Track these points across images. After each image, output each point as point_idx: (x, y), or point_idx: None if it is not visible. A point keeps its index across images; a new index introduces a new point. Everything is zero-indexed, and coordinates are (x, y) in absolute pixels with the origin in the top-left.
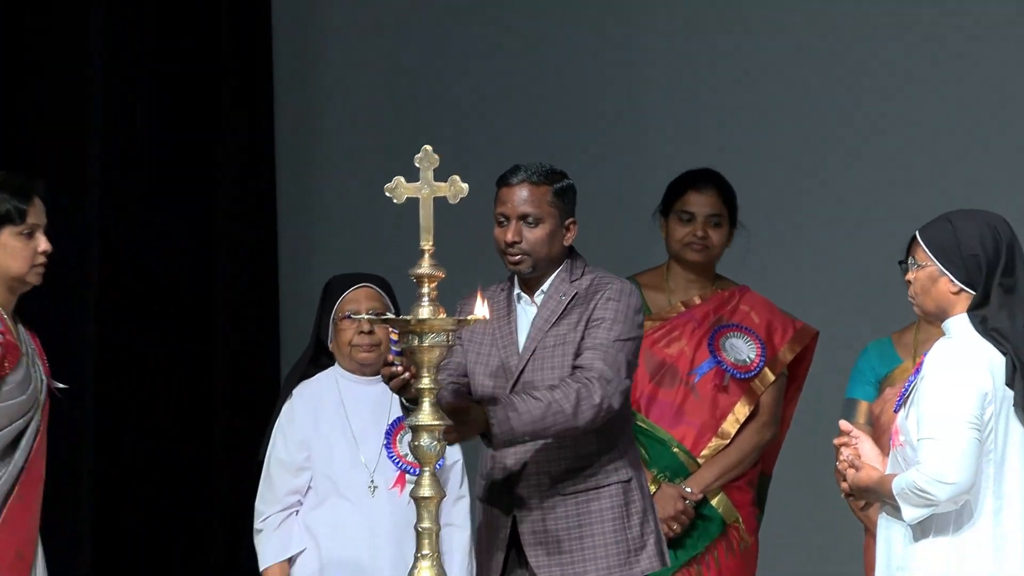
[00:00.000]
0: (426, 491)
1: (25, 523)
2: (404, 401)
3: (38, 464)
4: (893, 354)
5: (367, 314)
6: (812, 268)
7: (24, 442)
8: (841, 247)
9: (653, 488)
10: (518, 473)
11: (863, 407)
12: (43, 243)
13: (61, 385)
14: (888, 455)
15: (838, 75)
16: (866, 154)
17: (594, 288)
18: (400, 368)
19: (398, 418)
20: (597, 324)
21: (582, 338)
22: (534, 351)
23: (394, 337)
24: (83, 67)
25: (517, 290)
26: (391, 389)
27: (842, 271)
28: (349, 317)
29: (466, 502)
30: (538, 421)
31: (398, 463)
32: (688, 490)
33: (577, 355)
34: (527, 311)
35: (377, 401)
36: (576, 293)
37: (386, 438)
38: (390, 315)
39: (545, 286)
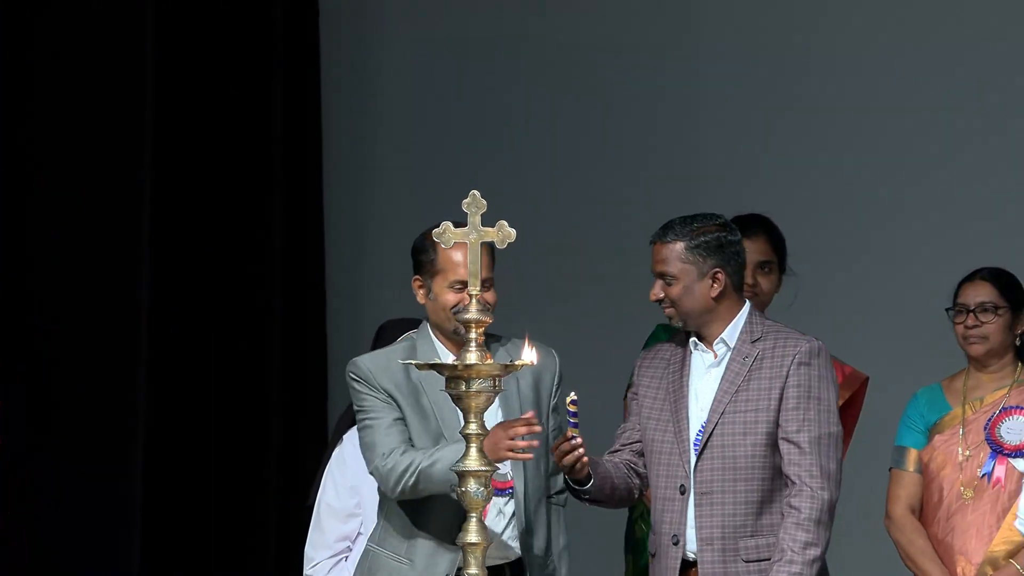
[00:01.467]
0: (473, 537)
1: None
2: (570, 482)
3: None
4: (943, 401)
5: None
6: (862, 313)
7: None
8: (891, 293)
9: None
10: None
11: (912, 455)
12: None
13: None
14: (941, 502)
15: (889, 121)
16: (915, 199)
17: (780, 347)
18: (579, 441)
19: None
20: (795, 404)
21: (778, 408)
22: (722, 414)
23: (572, 409)
24: (135, 130)
25: (693, 337)
26: (561, 464)
27: (893, 317)
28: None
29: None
30: None
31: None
32: None
33: (777, 427)
34: (703, 358)
35: None
36: (758, 353)
37: None
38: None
39: (725, 336)
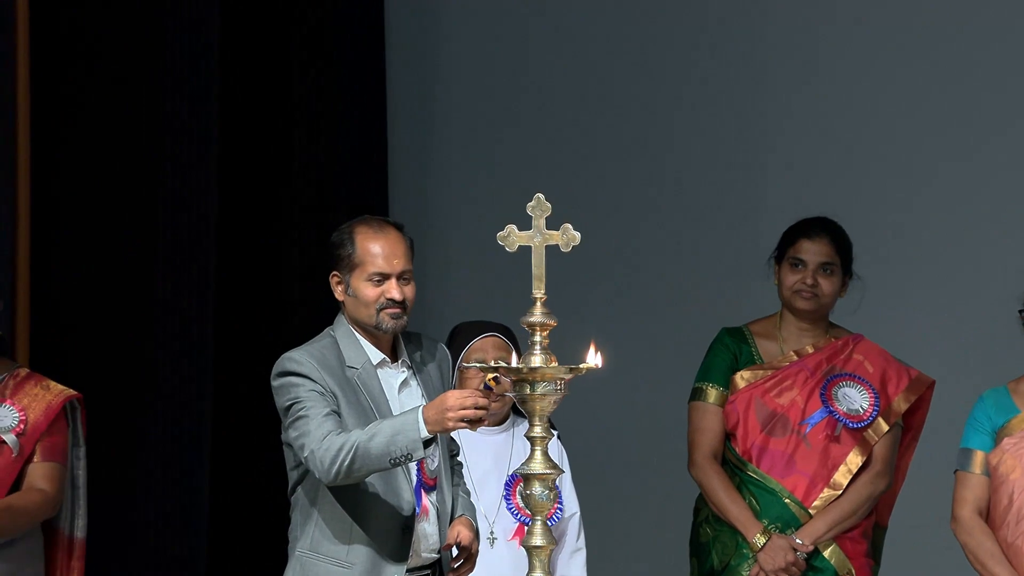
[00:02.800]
0: (538, 540)
1: None
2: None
3: None
4: (1010, 404)
5: (494, 363)
6: (929, 317)
7: None
8: (958, 295)
9: (763, 539)
10: None
11: (979, 457)
12: None
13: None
14: (1011, 506)
15: (958, 124)
16: (984, 201)
17: None
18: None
19: (516, 472)
20: None
21: None
22: None
23: (491, 384)
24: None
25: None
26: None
27: (959, 320)
28: (475, 366)
29: (583, 555)
30: None
31: (517, 515)
32: (799, 541)
33: None
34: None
35: (498, 451)
36: None
37: (506, 489)
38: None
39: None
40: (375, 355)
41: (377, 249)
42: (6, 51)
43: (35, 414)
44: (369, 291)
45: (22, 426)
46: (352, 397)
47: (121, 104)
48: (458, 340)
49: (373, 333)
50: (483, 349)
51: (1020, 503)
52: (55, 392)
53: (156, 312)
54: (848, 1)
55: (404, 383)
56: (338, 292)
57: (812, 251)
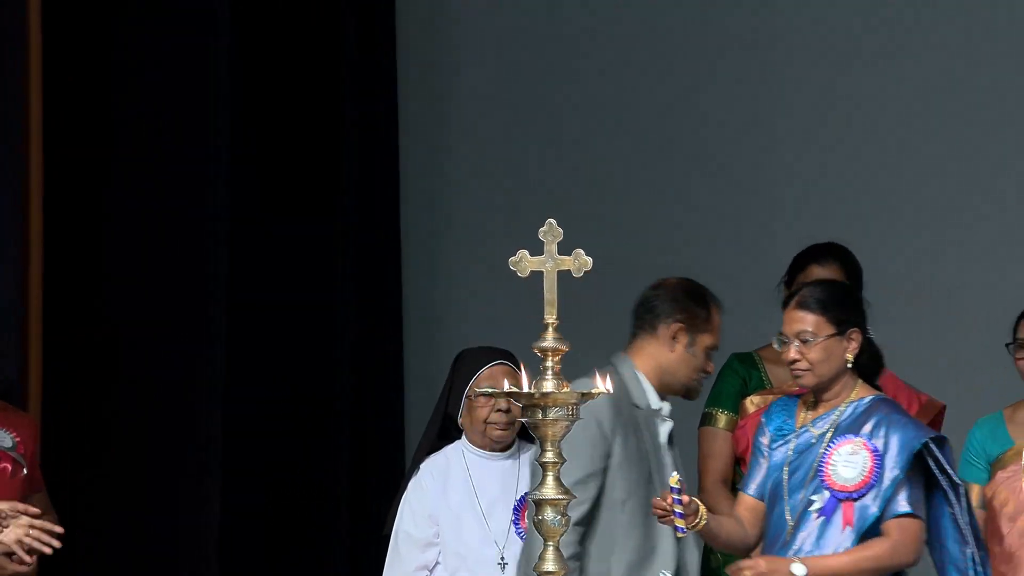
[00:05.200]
0: (549, 566)
1: None
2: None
3: None
4: (1004, 435)
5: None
6: (940, 342)
7: None
8: (968, 321)
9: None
10: None
11: (974, 491)
12: None
13: None
14: (1003, 540)
15: (968, 152)
16: (991, 230)
17: None
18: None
19: (525, 494)
20: None
21: None
22: None
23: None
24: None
25: None
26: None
27: (970, 345)
28: (483, 394)
29: None
30: None
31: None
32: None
33: None
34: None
35: (505, 476)
36: None
37: (514, 514)
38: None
39: None
40: (655, 400)
41: (719, 328)
42: (19, 67)
43: (24, 436)
44: (705, 361)
45: (22, 448)
46: (631, 439)
47: (132, 110)
48: (464, 367)
49: (667, 386)
50: (493, 377)
51: (1012, 539)
52: (30, 418)
53: (166, 325)
54: (865, 29)
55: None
56: (680, 341)
57: (821, 276)
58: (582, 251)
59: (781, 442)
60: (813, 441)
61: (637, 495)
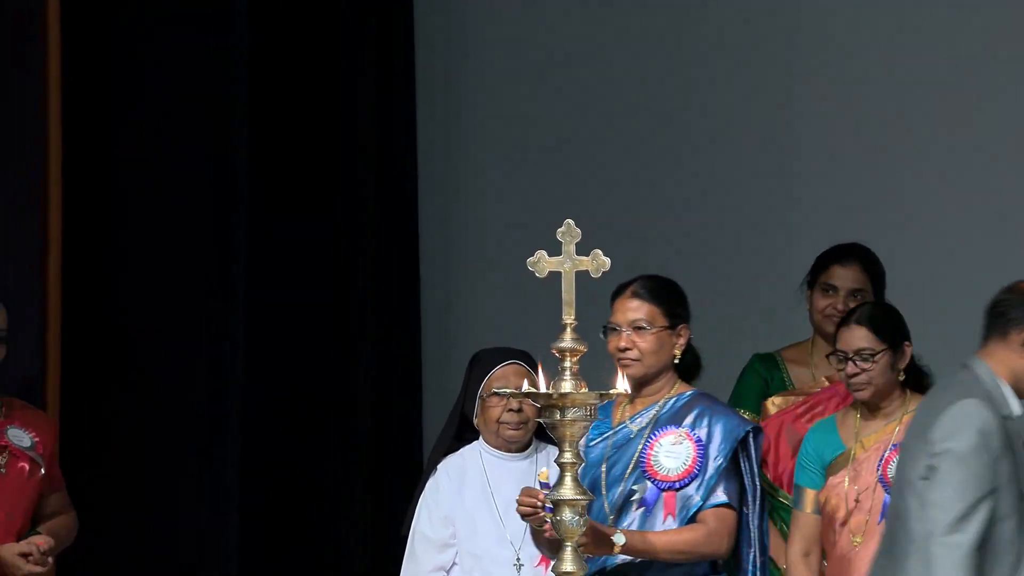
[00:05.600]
0: (568, 567)
1: None
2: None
3: None
4: (836, 439)
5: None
6: (963, 341)
7: None
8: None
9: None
10: None
11: (810, 496)
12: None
13: None
14: (835, 545)
15: (991, 148)
16: (1016, 230)
17: None
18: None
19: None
20: None
21: None
22: None
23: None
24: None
25: None
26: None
27: None
28: (496, 394)
29: None
30: None
31: None
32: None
33: None
34: None
35: (521, 477)
36: None
37: None
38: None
39: None
40: (1016, 406)
41: None
42: (37, 68)
43: (43, 436)
44: None
45: (41, 448)
46: (1009, 452)
47: (149, 112)
48: (479, 367)
49: (1019, 393)
50: (505, 377)
51: (842, 544)
52: (49, 417)
53: (185, 325)
54: (884, 30)
55: None
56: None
57: (844, 277)
58: (600, 252)
59: (598, 439)
60: (632, 436)
61: (1019, 511)
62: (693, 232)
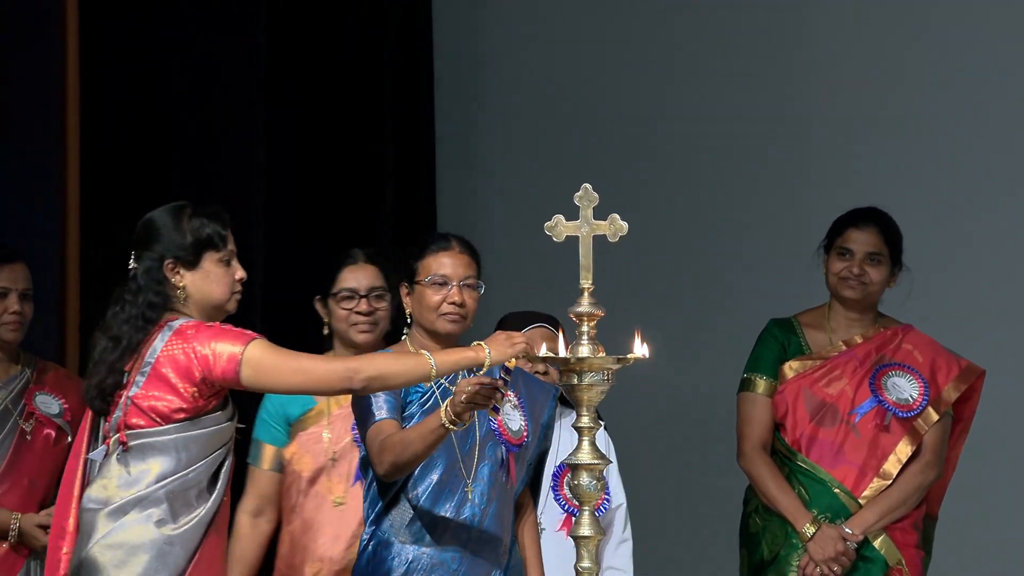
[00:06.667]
0: (585, 530)
1: (220, 558)
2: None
3: (229, 497)
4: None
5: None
6: (979, 307)
7: (223, 474)
8: (1008, 286)
9: (813, 529)
10: None
11: (269, 452)
12: (240, 271)
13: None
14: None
15: (1006, 113)
16: None
17: None
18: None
19: (563, 462)
20: None
21: None
22: None
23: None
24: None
25: None
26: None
27: (1010, 310)
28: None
29: (629, 546)
30: None
31: (565, 505)
32: (848, 531)
33: None
34: None
35: None
36: None
37: (553, 480)
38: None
39: None
40: None
41: None
42: (56, 70)
43: (74, 402)
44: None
45: (69, 415)
46: None
47: (170, 116)
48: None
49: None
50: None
51: (309, 508)
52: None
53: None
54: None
55: None
56: None
57: (860, 240)
58: (617, 216)
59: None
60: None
61: None
62: (710, 196)
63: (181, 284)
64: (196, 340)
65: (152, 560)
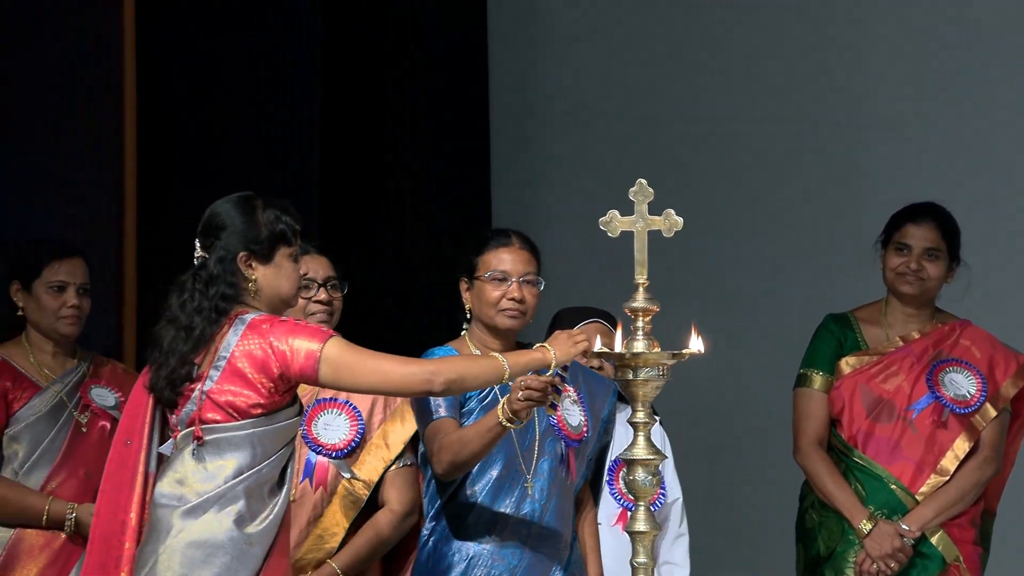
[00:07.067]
0: (641, 526)
1: (288, 554)
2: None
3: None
4: None
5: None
6: None
7: (290, 468)
8: None
9: (870, 525)
10: None
11: None
12: (305, 266)
13: None
14: None
15: None
16: None
17: None
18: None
19: (618, 457)
20: None
21: None
22: None
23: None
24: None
25: None
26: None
27: None
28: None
29: (685, 541)
30: None
31: (620, 500)
32: (905, 527)
33: None
34: None
35: None
36: None
37: (608, 474)
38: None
39: None
40: None
41: None
42: (114, 71)
43: (129, 395)
44: None
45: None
46: None
47: (226, 111)
48: (561, 326)
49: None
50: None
51: None
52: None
53: None
54: None
55: None
56: None
57: (917, 236)
58: (672, 211)
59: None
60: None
61: None
62: (767, 191)
63: (253, 277)
64: (272, 335)
65: (232, 561)
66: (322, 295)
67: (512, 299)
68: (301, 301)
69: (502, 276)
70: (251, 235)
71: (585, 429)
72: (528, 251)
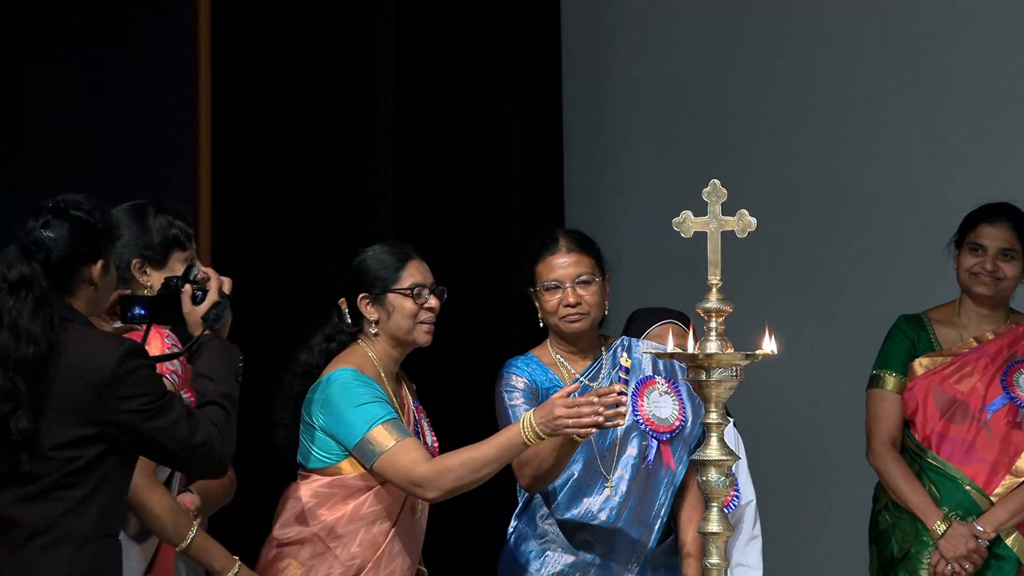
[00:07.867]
0: (714, 527)
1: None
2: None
3: None
4: None
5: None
6: None
7: None
8: None
9: (944, 527)
10: None
11: None
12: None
13: None
14: None
15: None
16: None
17: None
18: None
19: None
20: None
21: None
22: None
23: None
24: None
25: None
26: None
27: None
28: (652, 352)
29: (758, 543)
30: None
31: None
32: (980, 529)
33: None
34: None
35: None
36: None
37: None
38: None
39: None
40: None
41: None
42: (190, 75)
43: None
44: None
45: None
46: None
47: (295, 114)
48: (636, 326)
49: None
50: (661, 336)
51: None
52: None
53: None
54: None
55: None
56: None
57: (992, 236)
58: (746, 211)
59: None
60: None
61: None
62: (840, 192)
63: (148, 284)
64: None
65: None
66: (433, 302)
67: (568, 305)
68: (411, 307)
69: (555, 284)
70: (143, 241)
71: (680, 418)
72: (578, 251)
